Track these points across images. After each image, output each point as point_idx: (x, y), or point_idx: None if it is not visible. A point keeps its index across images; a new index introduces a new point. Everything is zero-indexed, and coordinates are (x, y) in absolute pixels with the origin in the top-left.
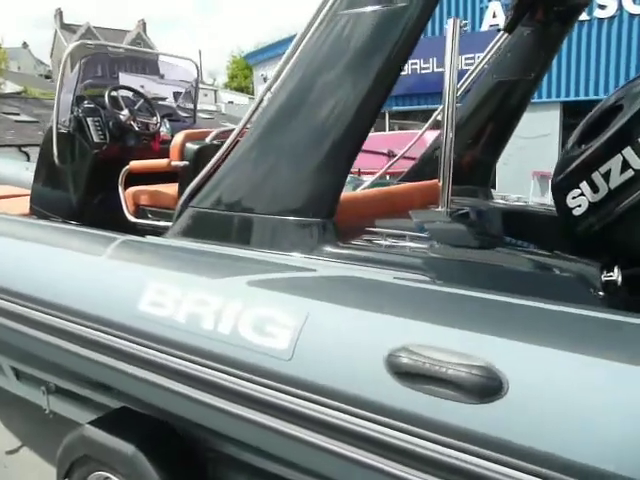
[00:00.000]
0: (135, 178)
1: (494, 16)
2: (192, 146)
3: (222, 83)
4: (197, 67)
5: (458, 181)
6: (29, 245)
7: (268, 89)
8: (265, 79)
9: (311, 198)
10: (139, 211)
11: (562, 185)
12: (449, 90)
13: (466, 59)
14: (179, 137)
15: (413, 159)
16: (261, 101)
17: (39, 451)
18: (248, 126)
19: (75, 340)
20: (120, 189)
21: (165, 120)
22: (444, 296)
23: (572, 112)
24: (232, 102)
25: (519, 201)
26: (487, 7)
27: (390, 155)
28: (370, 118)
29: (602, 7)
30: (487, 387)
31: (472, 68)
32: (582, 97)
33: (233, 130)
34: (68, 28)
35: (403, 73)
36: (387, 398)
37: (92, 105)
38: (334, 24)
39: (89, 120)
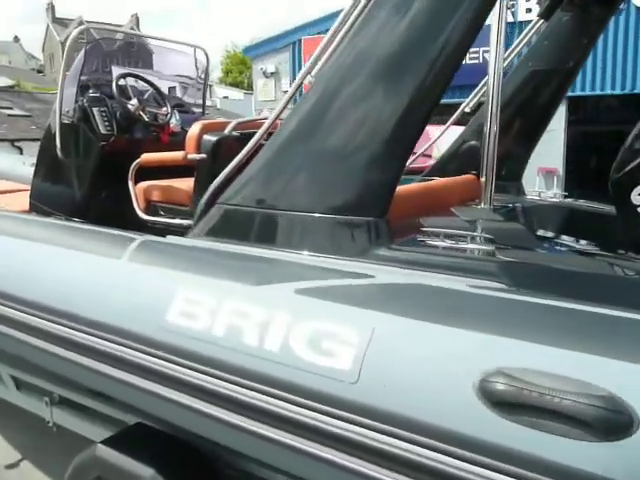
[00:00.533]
0: (143, 172)
1: None
2: (210, 138)
3: (217, 78)
4: (207, 56)
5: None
6: (33, 245)
7: (308, 73)
8: (265, 73)
9: (365, 194)
10: (150, 208)
11: (625, 181)
12: (494, 82)
13: (470, 52)
14: (196, 128)
15: (428, 156)
16: (299, 87)
17: (41, 466)
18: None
19: (89, 353)
20: (130, 184)
21: (175, 111)
22: (537, 308)
23: (577, 107)
24: (227, 97)
25: (555, 197)
26: None
27: None
28: (429, 107)
29: None
30: (613, 422)
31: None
32: (588, 92)
33: (253, 121)
34: (60, 22)
35: None
36: (480, 431)
37: (98, 94)
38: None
39: (95, 110)
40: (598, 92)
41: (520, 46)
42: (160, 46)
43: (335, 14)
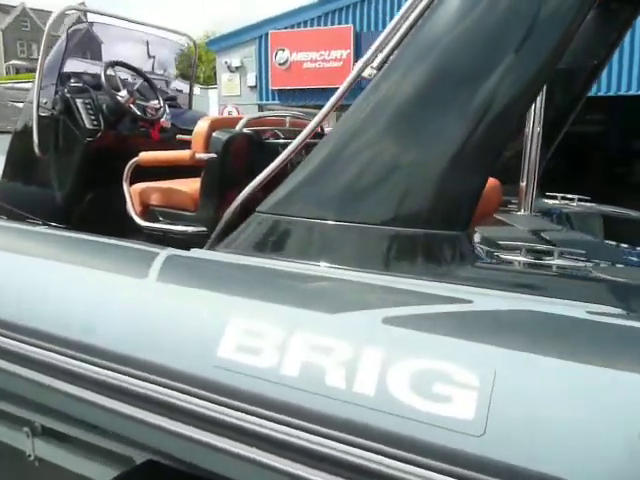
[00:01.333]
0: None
1: None
2: (221, 136)
3: (172, 74)
4: (195, 45)
5: (504, 178)
6: (22, 260)
7: (367, 64)
8: (229, 67)
9: (449, 204)
10: (148, 213)
11: None
12: None
13: None
14: (203, 125)
15: None
16: (356, 80)
17: None
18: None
19: (107, 391)
20: (125, 185)
21: (166, 105)
22: None
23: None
24: (182, 91)
25: (574, 201)
26: None
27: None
28: (523, 108)
29: None
30: None
31: None
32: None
33: (264, 117)
34: (1, 9)
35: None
36: None
37: (80, 84)
38: None
39: (79, 102)
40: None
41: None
42: (141, 32)
43: (305, 8)
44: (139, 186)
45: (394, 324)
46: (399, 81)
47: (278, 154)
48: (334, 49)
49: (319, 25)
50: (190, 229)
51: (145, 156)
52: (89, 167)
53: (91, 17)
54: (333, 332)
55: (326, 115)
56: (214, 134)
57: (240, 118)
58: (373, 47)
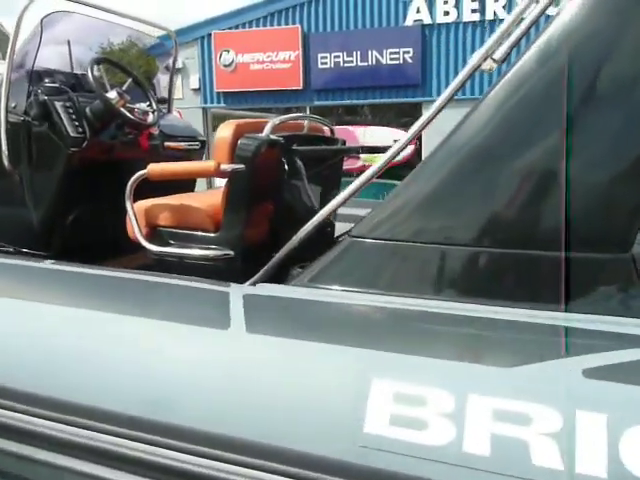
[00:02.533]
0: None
1: (418, 11)
2: (249, 143)
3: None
4: (176, 42)
5: None
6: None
7: (487, 56)
8: (168, 68)
9: (623, 222)
10: (156, 235)
11: None
12: None
13: (391, 54)
14: (227, 130)
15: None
16: (470, 74)
17: None
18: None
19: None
20: (128, 204)
21: (159, 108)
22: None
23: None
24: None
25: None
26: (411, 2)
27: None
28: None
29: None
30: None
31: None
32: None
33: (290, 120)
34: None
35: (325, 66)
36: None
37: (56, 84)
38: None
39: (58, 105)
40: None
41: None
42: (117, 24)
43: (249, 7)
44: (143, 204)
45: (601, 378)
46: (546, 77)
47: (311, 162)
48: (282, 50)
49: (265, 25)
50: (212, 253)
51: (155, 168)
52: (72, 181)
53: (63, 6)
54: (521, 392)
55: (430, 120)
56: (241, 141)
57: (264, 122)
58: (494, 37)
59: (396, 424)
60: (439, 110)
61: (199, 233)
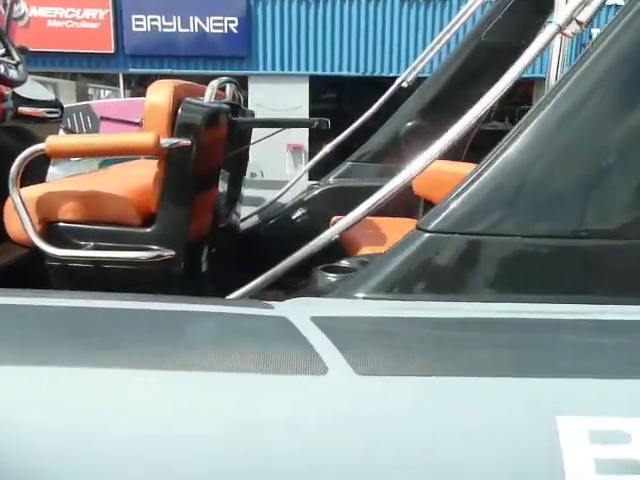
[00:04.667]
0: None
1: None
2: (195, 109)
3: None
4: None
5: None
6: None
7: (571, 19)
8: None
9: None
10: (54, 234)
11: None
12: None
13: (215, 22)
14: (162, 93)
15: None
16: (552, 38)
17: None
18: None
19: None
20: (14, 192)
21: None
22: None
23: (318, 86)
24: None
25: None
26: None
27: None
28: None
29: None
30: None
31: (446, 30)
32: (328, 72)
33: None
34: None
35: (141, 30)
36: None
37: None
38: None
39: None
40: (337, 72)
41: (465, 17)
42: None
43: None
44: (32, 191)
45: None
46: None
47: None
48: (88, 7)
49: None
50: (146, 255)
51: (58, 142)
52: None
53: None
54: None
55: (500, 94)
56: (184, 107)
57: (200, 86)
58: None
59: (604, 472)
60: (500, 94)
61: (121, 229)
